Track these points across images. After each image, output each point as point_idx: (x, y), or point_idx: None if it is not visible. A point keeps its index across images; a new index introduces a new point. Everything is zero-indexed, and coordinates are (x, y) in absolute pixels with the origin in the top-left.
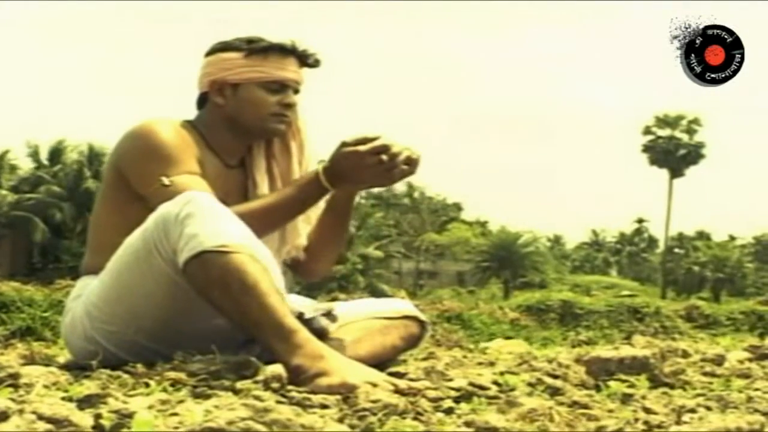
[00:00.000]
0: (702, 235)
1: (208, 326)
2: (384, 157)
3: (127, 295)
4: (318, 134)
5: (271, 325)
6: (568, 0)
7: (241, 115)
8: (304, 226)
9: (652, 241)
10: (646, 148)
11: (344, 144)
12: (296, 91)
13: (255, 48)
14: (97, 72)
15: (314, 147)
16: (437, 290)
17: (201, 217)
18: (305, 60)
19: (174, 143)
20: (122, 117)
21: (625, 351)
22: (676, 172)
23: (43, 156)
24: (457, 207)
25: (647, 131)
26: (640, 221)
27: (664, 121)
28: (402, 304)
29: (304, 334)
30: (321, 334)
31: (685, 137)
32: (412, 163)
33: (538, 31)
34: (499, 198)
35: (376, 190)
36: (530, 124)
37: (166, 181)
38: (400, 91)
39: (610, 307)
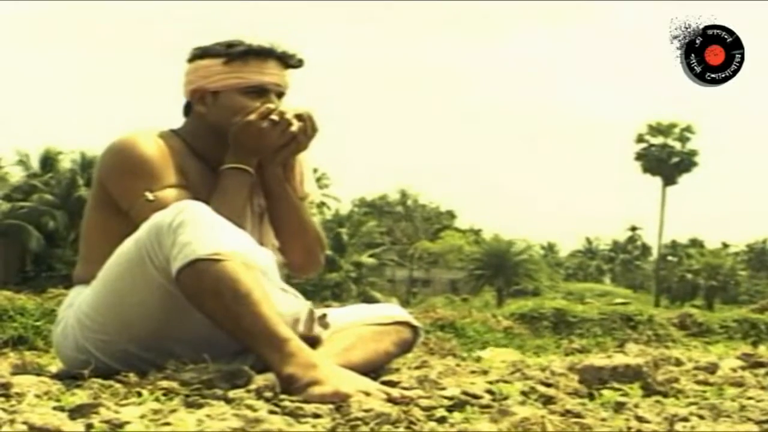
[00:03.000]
0: (695, 243)
1: (201, 335)
2: (274, 116)
3: (119, 304)
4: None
5: (264, 334)
6: (559, 2)
7: (224, 123)
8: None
9: (646, 249)
10: (640, 156)
11: (233, 123)
12: (280, 95)
13: (233, 53)
14: (89, 77)
15: (311, 152)
16: (430, 298)
17: (194, 225)
18: (287, 61)
19: (155, 157)
20: (117, 122)
21: (618, 359)
22: (669, 180)
23: (34, 164)
24: (451, 215)
25: (640, 139)
26: (634, 229)
27: (656, 129)
28: (394, 310)
29: (296, 342)
30: (313, 342)
31: (678, 145)
32: (305, 117)
33: (529, 35)
34: (493, 206)
35: (368, 197)
36: (523, 131)
37: (149, 196)
38: (390, 98)
39: (604, 315)
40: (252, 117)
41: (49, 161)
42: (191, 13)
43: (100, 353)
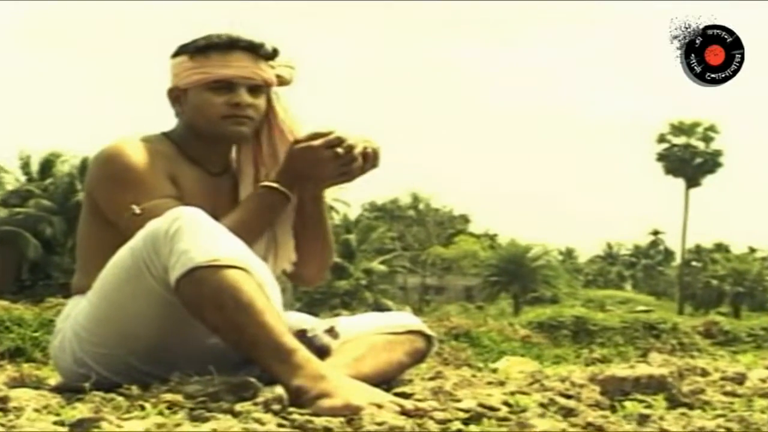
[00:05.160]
0: (720, 248)
1: (204, 346)
2: (339, 150)
3: (117, 315)
4: None
5: (269, 344)
6: (576, 2)
7: (195, 122)
8: (292, 240)
9: (669, 254)
10: (661, 157)
11: (296, 141)
12: (254, 88)
13: (195, 48)
14: (92, 79)
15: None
16: (444, 306)
17: (191, 232)
18: (256, 52)
19: (142, 167)
20: (122, 125)
21: (642, 369)
22: (692, 182)
23: (34, 168)
24: (465, 219)
25: (662, 139)
26: (656, 233)
27: (679, 129)
28: (406, 318)
29: (303, 353)
30: (323, 352)
31: (701, 145)
32: (370, 156)
33: (547, 35)
34: (509, 209)
35: (378, 201)
36: (540, 132)
37: (136, 209)
38: (401, 100)
39: (625, 323)
40: (317, 143)
41: (48, 166)
42: (199, 14)
43: (99, 366)
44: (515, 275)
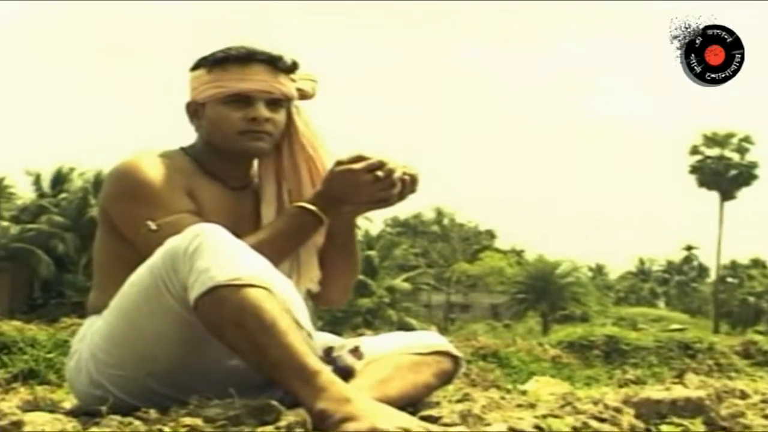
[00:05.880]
0: (757, 263)
1: (225, 367)
2: (380, 173)
3: (134, 336)
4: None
5: (292, 366)
6: (602, 6)
7: (212, 137)
8: (316, 259)
9: (703, 270)
10: (694, 169)
11: (338, 163)
12: (273, 101)
13: (213, 60)
14: (105, 89)
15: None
16: (470, 324)
17: (212, 250)
18: (275, 64)
19: (158, 182)
20: (137, 138)
21: (678, 392)
22: (726, 195)
23: (46, 184)
24: (491, 234)
25: (695, 151)
26: (689, 248)
27: (712, 140)
28: (433, 338)
29: (327, 375)
30: (347, 373)
31: (735, 157)
32: (410, 181)
33: (573, 42)
34: (536, 224)
35: (401, 216)
36: (568, 144)
37: (152, 225)
38: (424, 110)
39: (659, 342)
40: (357, 166)
41: (60, 180)
42: (218, 20)
43: (116, 389)
44: (543, 292)
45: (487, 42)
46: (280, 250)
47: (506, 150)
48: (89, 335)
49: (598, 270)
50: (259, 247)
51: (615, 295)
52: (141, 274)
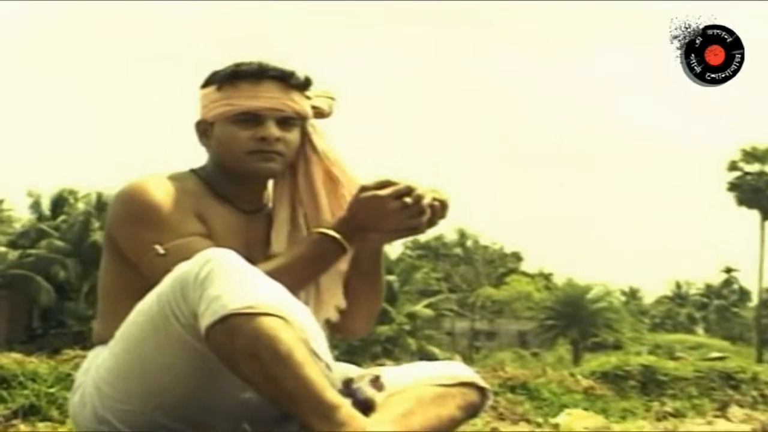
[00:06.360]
0: None
1: (238, 400)
2: (408, 200)
3: (142, 368)
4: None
5: (309, 400)
6: (634, 15)
7: (221, 158)
8: (340, 286)
9: (744, 294)
10: (733, 186)
11: (363, 189)
12: (284, 120)
13: (222, 77)
14: (107, 106)
15: (354, 184)
16: (496, 353)
17: (224, 276)
18: (287, 81)
19: (166, 204)
20: (141, 159)
21: (721, 426)
22: None
23: (46, 206)
24: (517, 257)
25: (733, 167)
26: (729, 271)
27: (752, 155)
28: (457, 368)
29: (347, 409)
30: (367, 406)
31: None
32: (438, 208)
33: (605, 53)
34: (565, 246)
35: (422, 238)
36: (598, 161)
37: (160, 250)
38: (444, 125)
39: (700, 372)
40: (385, 192)
41: (61, 203)
42: (233, 33)
43: (123, 424)
44: (574, 319)
45: (513, 50)
46: (299, 278)
47: (533, 167)
48: (94, 367)
49: (632, 294)
50: (276, 274)
51: (650, 321)
52: (148, 302)
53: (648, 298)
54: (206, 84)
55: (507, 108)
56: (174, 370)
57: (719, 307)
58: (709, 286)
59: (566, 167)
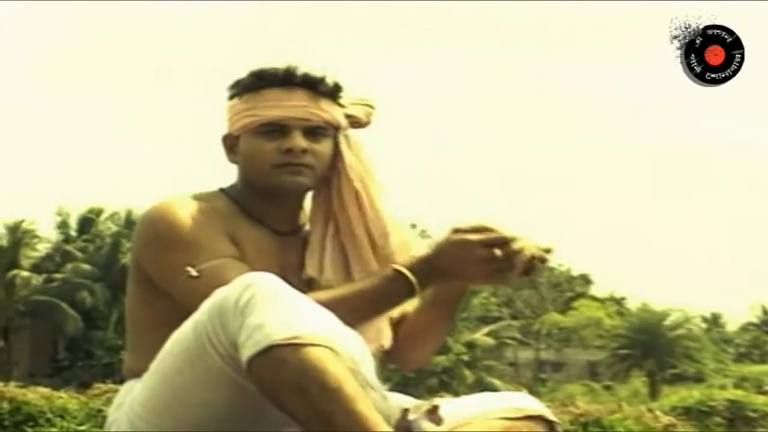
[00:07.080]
0: None
1: None
2: (498, 251)
3: (178, 403)
4: (396, 190)
5: None
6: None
7: (248, 174)
8: (386, 322)
9: None
10: None
11: (456, 230)
12: (313, 130)
13: (245, 86)
14: (137, 121)
15: (390, 204)
16: (564, 386)
17: (267, 302)
18: (316, 88)
19: (197, 224)
20: (171, 175)
21: None
22: None
23: (72, 226)
24: (585, 280)
25: None
26: None
27: None
28: (523, 400)
29: None
30: None
31: None
32: (536, 266)
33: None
34: (638, 267)
35: None
36: (674, 175)
37: (192, 272)
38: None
39: None
40: (474, 238)
41: (88, 223)
42: (260, 41)
43: None
44: (650, 348)
45: (578, 57)
46: (358, 315)
47: (601, 183)
48: (127, 403)
49: (714, 321)
50: (333, 305)
51: (735, 351)
52: (185, 331)
53: (731, 324)
54: (231, 95)
55: (577, 122)
56: (213, 406)
57: None
58: None
59: (638, 184)
